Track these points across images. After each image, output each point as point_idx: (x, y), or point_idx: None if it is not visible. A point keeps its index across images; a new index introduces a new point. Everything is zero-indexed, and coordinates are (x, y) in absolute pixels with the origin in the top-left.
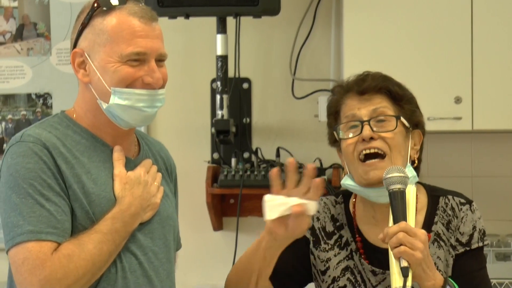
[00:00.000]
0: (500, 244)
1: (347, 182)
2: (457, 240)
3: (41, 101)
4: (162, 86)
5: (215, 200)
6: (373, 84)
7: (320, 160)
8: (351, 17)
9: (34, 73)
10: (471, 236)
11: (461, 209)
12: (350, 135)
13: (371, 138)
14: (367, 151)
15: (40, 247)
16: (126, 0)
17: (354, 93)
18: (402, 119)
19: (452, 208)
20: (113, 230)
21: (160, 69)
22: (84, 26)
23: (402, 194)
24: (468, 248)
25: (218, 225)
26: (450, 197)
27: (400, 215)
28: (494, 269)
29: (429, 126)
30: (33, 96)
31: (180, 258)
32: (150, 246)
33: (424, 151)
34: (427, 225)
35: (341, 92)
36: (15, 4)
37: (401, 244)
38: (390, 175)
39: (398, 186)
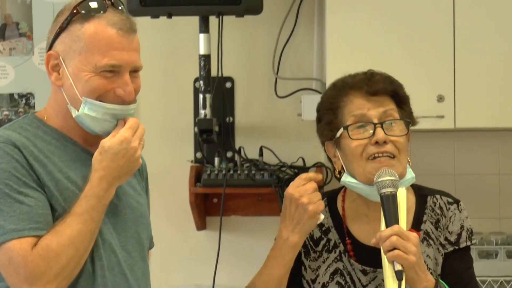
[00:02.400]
0: (483, 242)
1: (347, 180)
2: (446, 238)
3: (23, 101)
4: (134, 98)
5: (198, 199)
6: (384, 87)
7: (303, 159)
8: (333, 16)
9: (16, 73)
10: (459, 235)
11: (449, 208)
12: (359, 135)
13: (384, 142)
14: (379, 155)
15: (20, 244)
16: (107, 8)
17: (361, 92)
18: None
19: (440, 208)
20: (89, 208)
21: (134, 80)
22: (62, 29)
23: (393, 197)
24: (456, 247)
25: (201, 225)
26: (438, 196)
27: (392, 218)
28: (477, 267)
29: None
30: (16, 96)
31: (164, 258)
32: (124, 245)
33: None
34: (416, 224)
35: (345, 88)
36: None
37: (394, 248)
38: (381, 179)
39: (390, 189)
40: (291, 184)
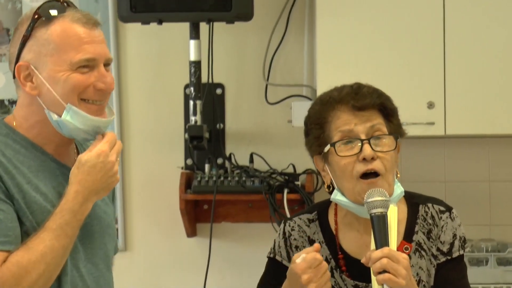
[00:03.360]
0: (473, 249)
1: (337, 197)
2: (438, 249)
3: (14, 107)
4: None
5: (188, 206)
6: (372, 101)
7: (293, 166)
8: (324, 23)
9: (7, 79)
10: (452, 244)
11: (441, 217)
12: (346, 152)
13: (372, 158)
14: (368, 172)
15: None
16: (65, 9)
17: (348, 107)
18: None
19: (432, 217)
20: (63, 224)
21: (109, 74)
22: (26, 38)
23: (384, 218)
24: (449, 257)
25: (191, 231)
26: (430, 205)
27: (382, 239)
28: (468, 274)
29: None
30: (6, 102)
31: (154, 264)
32: (90, 257)
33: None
34: (408, 235)
35: (332, 103)
36: None
37: (384, 270)
38: (371, 199)
39: (380, 210)
40: (301, 257)
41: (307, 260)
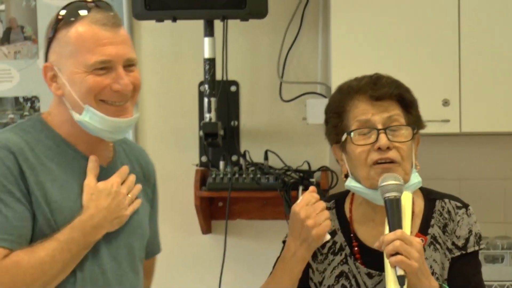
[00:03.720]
0: (488, 246)
1: (351, 184)
2: (453, 243)
3: (28, 104)
4: (135, 91)
5: (203, 203)
6: (390, 92)
7: (308, 163)
8: (338, 20)
9: (21, 76)
10: (467, 239)
11: (457, 212)
12: (363, 141)
13: (387, 148)
14: (383, 161)
15: None
16: (90, 9)
17: (366, 97)
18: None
19: (449, 212)
20: (70, 240)
21: (131, 74)
22: (50, 40)
23: (397, 201)
24: (464, 252)
25: (206, 228)
26: (446, 200)
27: (395, 222)
28: (483, 272)
29: None
30: (21, 100)
31: (169, 262)
32: (114, 255)
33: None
34: (424, 228)
35: (350, 92)
36: (2, 7)
37: (397, 253)
38: (385, 183)
39: (394, 194)
40: (300, 199)
41: (304, 198)
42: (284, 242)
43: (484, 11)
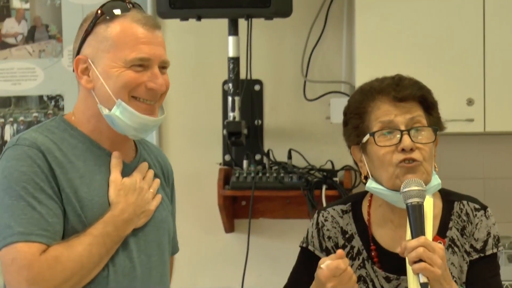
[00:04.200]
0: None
1: (372, 185)
2: (471, 246)
3: (52, 103)
4: (164, 93)
5: (226, 202)
6: (413, 93)
7: (332, 162)
8: (363, 19)
9: (45, 75)
10: (486, 242)
11: (476, 215)
12: (386, 142)
13: (411, 149)
14: (406, 162)
15: (28, 248)
16: (129, 9)
17: (389, 98)
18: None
19: (467, 214)
20: (104, 234)
21: (162, 76)
22: (87, 33)
23: (420, 208)
24: (482, 255)
25: (229, 227)
26: (465, 202)
27: (418, 229)
28: (506, 271)
29: None
30: (45, 98)
31: (192, 260)
32: (143, 249)
33: (436, 153)
34: (442, 230)
35: (372, 93)
36: (27, 6)
37: (420, 260)
38: (407, 189)
39: (416, 199)
40: (327, 263)
41: (330, 268)
42: (301, 247)
43: (509, 9)
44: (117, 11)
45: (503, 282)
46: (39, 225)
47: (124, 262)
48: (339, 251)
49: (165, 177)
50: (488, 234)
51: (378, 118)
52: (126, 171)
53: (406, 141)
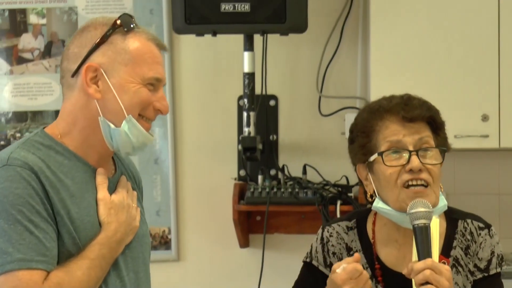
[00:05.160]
0: None
1: (379, 205)
2: (475, 265)
3: None
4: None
5: (241, 217)
6: (422, 114)
7: (346, 178)
8: (377, 34)
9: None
10: (490, 261)
11: (480, 234)
12: (394, 162)
13: (419, 170)
14: (414, 182)
15: (30, 276)
16: (138, 25)
17: (398, 118)
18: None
19: (471, 233)
20: (100, 256)
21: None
22: (102, 42)
23: (426, 229)
24: (486, 274)
25: (244, 242)
26: (469, 221)
27: (425, 250)
28: None
29: (456, 143)
30: None
31: (207, 275)
32: (131, 266)
33: (451, 169)
34: (446, 249)
35: (380, 112)
36: (44, 21)
37: (427, 282)
38: (415, 210)
39: (423, 221)
40: (342, 267)
41: (348, 271)
42: (304, 262)
43: None
44: (132, 25)
45: None
46: (38, 250)
47: (115, 282)
48: (356, 254)
49: (138, 186)
50: (492, 253)
51: (386, 138)
52: (109, 187)
53: (415, 161)
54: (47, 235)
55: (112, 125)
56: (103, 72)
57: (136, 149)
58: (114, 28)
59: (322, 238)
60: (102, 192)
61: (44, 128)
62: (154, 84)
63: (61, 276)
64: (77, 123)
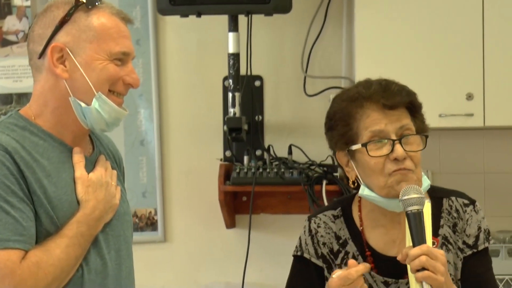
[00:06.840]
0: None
1: (365, 193)
2: (464, 242)
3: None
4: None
5: (227, 197)
6: (402, 100)
7: (332, 158)
8: (362, 15)
9: None
10: (477, 237)
11: (465, 210)
12: (377, 151)
13: (404, 158)
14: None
15: (8, 256)
16: (102, 1)
17: (378, 105)
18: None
19: (457, 210)
20: (79, 234)
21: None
22: (65, 21)
23: (420, 215)
24: (475, 250)
25: (230, 223)
26: (453, 198)
27: (420, 236)
28: (507, 265)
29: (441, 122)
30: None
31: (193, 256)
32: (112, 244)
33: (436, 148)
34: (434, 229)
35: (360, 100)
36: (28, 3)
37: (423, 268)
38: (407, 197)
39: (416, 207)
40: (338, 273)
41: (340, 277)
42: (295, 256)
43: (508, 4)
44: (94, 2)
45: (503, 276)
46: (15, 230)
47: (96, 260)
48: (351, 261)
49: (118, 165)
50: (479, 228)
51: (368, 127)
52: (87, 166)
53: (399, 150)
54: (23, 214)
55: (83, 104)
56: (68, 51)
57: (110, 125)
58: (76, 6)
59: (310, 230)
60: (79, 171)
61: (18, 110)
62: (122, 58)
63: (39, 255)
64: (48, 104)
